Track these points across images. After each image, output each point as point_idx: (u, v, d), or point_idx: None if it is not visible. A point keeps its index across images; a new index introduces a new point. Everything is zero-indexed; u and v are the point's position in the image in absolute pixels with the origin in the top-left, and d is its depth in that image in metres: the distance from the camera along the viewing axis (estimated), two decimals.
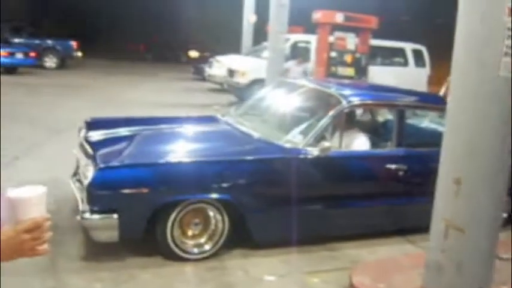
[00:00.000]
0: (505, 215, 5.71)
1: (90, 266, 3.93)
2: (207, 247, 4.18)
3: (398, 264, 4.25)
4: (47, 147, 7.41)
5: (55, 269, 3.83)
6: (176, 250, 4.06)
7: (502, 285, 3.91)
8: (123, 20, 29.18)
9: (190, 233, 4.17)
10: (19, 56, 17.29)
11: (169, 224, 3.98)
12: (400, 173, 4.78)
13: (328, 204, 4.59)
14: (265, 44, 13.42)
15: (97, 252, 4.15)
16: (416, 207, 4.53)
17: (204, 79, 17.67)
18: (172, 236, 4.02)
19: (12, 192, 1.46)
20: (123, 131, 4.90)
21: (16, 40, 19.75)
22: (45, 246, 1.48)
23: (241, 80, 13.70)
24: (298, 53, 13.66)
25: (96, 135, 4.79)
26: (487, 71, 3.24)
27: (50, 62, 20.33)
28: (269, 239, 4.40)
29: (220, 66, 15.69)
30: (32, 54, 17.82)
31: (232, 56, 16.37)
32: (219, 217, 4.18)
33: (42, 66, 19.50)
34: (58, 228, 4.53)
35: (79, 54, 21.38)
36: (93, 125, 5.17)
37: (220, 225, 4.19)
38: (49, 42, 20.66)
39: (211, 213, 4.18)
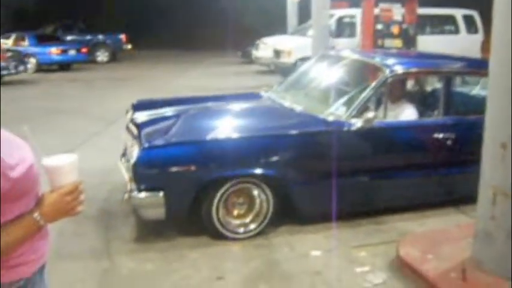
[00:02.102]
0: None
1: (141, 248, 4.06)
2: (252, 226, 4.23)
3: (447, 235, 4.15)
4: (100, 138, 7.67)
5: (109, 252, 3.99)
6: (222, 230, 4.14)
7: None
8: (169, 11, 29.50)
9: (235, 212, 4.23)
10: (72, 52, 17.89)
11: (214, 204, 4.05)
12: (449, 142, 4.65)
13: (374, 176, 4.52)
14: (310, 22, 13.25)
15: (148, 234, 4.30)
16: (467, 176, 4.38)
17: (251, 62, 17.71)
18: (218, 217, 4.09)
19: (47, 161, 1.58)
20: (167, 111, 4.98)
21: (68, 37, 20.45)
22: (82, 206, 1.64)
23: (287, 59, 13.64)
24: (344, 28, 13.49)
25: (142, 116, 4.88)
26: None
27: (102, 56, 20.94)
28: (315, 213, 4.40)
29: (266, 47, 15.67)
30: (84, 50, 18.41)
31: (277, 36, 16.29)
32: (263, 197, 4.21)
33: (94, 61, 20.12)
34: (111, 213, 4.74)
35: (128, 46, 21.88)
36: (139, 106, 5.28)
37: (265, 205, 4.22)
38: (99, 37, 21.25)
39: (255, 193, 4.22)
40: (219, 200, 4.07)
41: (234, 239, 4.18)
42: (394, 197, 4.69)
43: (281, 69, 14.18)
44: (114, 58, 21.30)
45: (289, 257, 3.93)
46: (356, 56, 5.69)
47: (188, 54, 23.10)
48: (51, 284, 1.82)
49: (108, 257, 3.90)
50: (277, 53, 14.44)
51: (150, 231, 4.34)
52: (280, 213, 4.32)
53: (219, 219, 4.10)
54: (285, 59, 13.81)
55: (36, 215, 1.55)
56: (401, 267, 3.71)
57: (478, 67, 5.26)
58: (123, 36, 21.71)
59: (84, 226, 4.40)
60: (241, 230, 4.22)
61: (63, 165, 1.59)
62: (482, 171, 3.48)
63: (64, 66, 17.90)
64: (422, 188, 4.76)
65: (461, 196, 4.73)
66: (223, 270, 3.72)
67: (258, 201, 4.23)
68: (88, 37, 20.96)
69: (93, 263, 3.81)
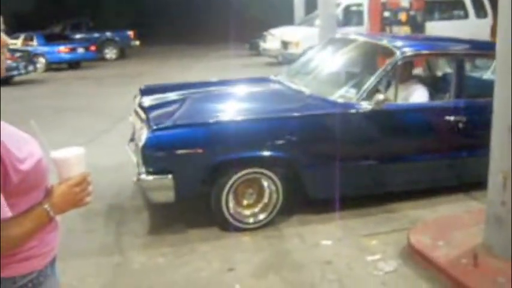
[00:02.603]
0: None
1: (152, 242, 4.08)
2: (261, 216, 4.23)
3: (458, 221, 4.13)
4: (110, 135, 7.70)
5: (120, 247, 4.01)
6: (232, 221, 4.14)
7: None
8: (175, 5, 29.49)
9: (245, 203, 4.23)
10: (80, 50, 17.96)
11: (224, 195, 4.05)
12: (460, 124, 4.61)
13: (384, 159, 4.50)
14: (317, 12, 13.20)
15: (158, 228, 4.32)
16: (479, 160, 4.30)
17: (259, 54, 17.68)
18: (227, 208, 4.10)
19: (55, 154, 1.63)
20: (176, 95, 4.99)
21: (77, 36, 20.52)
22: (90, 197, 1.67)
23: (295, 50, 13.61)
24: (351, 16, 13.42)
25: (150, 100, 4.89)
26: None
27: (110, 53, 20.99)
28: (324, 195, 4.37)
29: (273, 39, 15.66)
30: (92, 47, 18.48)
31: (285, 27, 16.25)
32: (273, 187, 4.20)
33: (103, 59, 20.18)
34: (121, 209, 4.77)
35: (136, 43, 21.91)
36: (147, 91, 5.30)
37: (274, 195, 4.21)
38: (107, 34, 21.29)
39: (265, 184, 4.21)
40: (229, 191, 4.07)
41: (244, 230, 4.18)
42: (405, 180, 4.66)
43: (289, 60, 14.13)
44: (122, 55, 21.35)
45: (300, 247, 3.94)
46: (365, 39, 5.66)
47: (195, 48, 23.08)
48: (63, 280, 1.84)
49: (119, 252, 3.92)
50: (285, 44, 14.42)
51: (160, 226, 4.36)
52: (290, 204, 4.32)
53: (228, 209, 4.11)
54: (293, 50, 13.79)
55: (46, 206, 1.58)
56: (413, 254, 3.70)
57: (488, 49, 5.18)
58: (131, 33, 21.74)
59: (95, 222, 4.44)
60: (251, 220, 4.22)
61: (70, 157, 1.63)
62: (492, 157, 3.45)
63: (73, 64, 17.98)
64: (433, 172, 4.73)
65: (473, 180, 4.66)
66: (234, 261, 3.73)
67: (267, 191, 4.22)
68: (96, 35, 21.01)
69: (104, 258, 3.84)
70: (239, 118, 4.27)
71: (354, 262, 3.68)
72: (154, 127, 4.02)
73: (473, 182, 4.65)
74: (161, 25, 28.58)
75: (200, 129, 4.12)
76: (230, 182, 4.06)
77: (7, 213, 1.51)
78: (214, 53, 21.04)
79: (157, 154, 3.96)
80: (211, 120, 4.17)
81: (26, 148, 1.57)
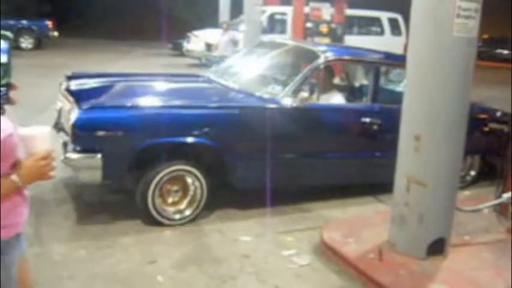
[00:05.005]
0: (473, 173, 5.99)
1: (73, 234, 4.08)
2: (187, 212, 4.36)
3: (367, 220, 4.48)
4: (29, 126, 7.46)
5: (40, 238, 3.97)
6: (158, 217, 4.25)
7: (465, 236, 4.17)
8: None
9: (170, 200, 4.34)
10: None
11: (150, 193, 4.15)
12: (375, 127, 5.00)
13: (305, 154, 4.78)
14: (242, 17, 13.45)
15: (80, 221, 4.32)
16: (391, 161, 4.62)
17: (182, 54, 17.68)
18: (154, 205, 4.19)
19: (22, 130, 1.83)
20: (104, 81, 5.08)
21: None
22: (54, 172, 1.88)
23: (219, 53, 13.75)
24: (275, 24, 13.80)
25: (77, 84, 4.93)
26: (442, 31, 3.43)
27: (26, 42, 20.05)
28: (247, 185, 4.57)
29: (197, 40, 15.76)
30: None
31: (209, 30, 16.38)
32: (197, 184, 4.32)
33: (18, 47, 19.25)
34: (42, 200, 4.69)
35: (55, 33, 21.06)
36: (73, 77, 5.31)
37: (198, 191, 4.34)
38: (24, 22, 20.32)
39: (189, 180, 4.33)
40: (155, 189, 4.16)
41: (171, 226, 4.28)
42: (323, 175, 4.97)
43: (212, 63, 14.28)
44: (39, 45, 20.45)
45: (220, 242, 4.10)
46: (293, 43, 6.08)
47: (117, 44, 22.63)
48: None
49: (39, 243, 3.88)
50: (209, 47, 14.56)
51: (82, 218, 4.36)
52: (212, 201, 4.46)
53: (155, 207, 4.20)
54: (216, 53, 13.92)
55: (13, 177, 1.76)
56: (325, 250, 3.97)
57: (400, 60, 5.60)
58: (49, 23, 20.87)
59: None
60: (177, 216, 4.33)
61: (36, 134, 1.84)
62: (398, 161, 3.80)
63: None
64: (349, 169, 5.09)
65: (384, 180, 4.94)
66: (155, 254, 3.82)
67: (192, 188, 4.34)
68: (11, 22, 19.99)
69: None
70: (166, 105, 4.38)
71: (270, 256, 3.90)
72: (85, 106, 4.08)
73: (381, 186, 5.00)
74: (83, 18, 27.70)
75: (128, 112, 4.17)
76: (156, 180, 4.15)
77: None
78: (138, 50, 20.76)
79: (86, 133, 4.01)
80: (139, 105, 4.27)
81: None
